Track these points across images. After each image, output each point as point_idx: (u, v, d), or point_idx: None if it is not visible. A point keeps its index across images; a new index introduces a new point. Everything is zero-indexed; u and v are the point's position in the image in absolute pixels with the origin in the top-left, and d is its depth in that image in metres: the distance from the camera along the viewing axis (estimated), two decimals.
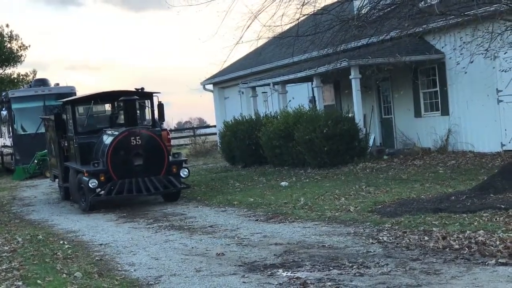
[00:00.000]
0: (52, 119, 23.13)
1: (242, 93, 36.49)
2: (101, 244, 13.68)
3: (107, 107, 23.13)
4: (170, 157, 20.12)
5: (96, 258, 12.05)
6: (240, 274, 9.91)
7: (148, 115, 22.14)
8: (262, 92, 33.30)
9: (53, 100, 35.93)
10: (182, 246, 12.69)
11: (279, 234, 13.09)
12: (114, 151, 19.32)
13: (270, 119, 27.07)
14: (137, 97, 20.51)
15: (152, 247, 12.84)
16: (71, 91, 36.36)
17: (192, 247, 12.50)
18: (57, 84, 38.48)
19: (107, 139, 20.00)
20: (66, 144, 22.18)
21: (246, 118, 29.24)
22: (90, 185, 19.03)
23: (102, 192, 19.16)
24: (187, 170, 20.27)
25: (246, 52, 36.00)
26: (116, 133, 19.79)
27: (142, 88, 21.24)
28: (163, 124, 22.55)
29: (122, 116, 21.08)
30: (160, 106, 21.59)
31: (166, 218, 16.80)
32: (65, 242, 14.08)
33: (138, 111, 20.57)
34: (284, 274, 9.75)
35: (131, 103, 20.07)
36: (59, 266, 11.43)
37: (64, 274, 10.67)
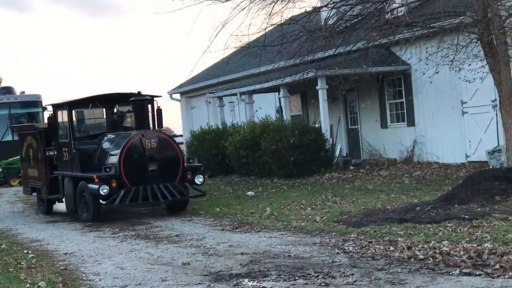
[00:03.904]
0: (37, 127, 21.84)
1: (209, 102, 36.45)
2: (65, 254, 13.58)
3: (104, 110, 21.32)
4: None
5: (61, 268, 11.96)
6: (205, 284, 9.89)
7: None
8: (229, 102, 33.29)
9: (18, 108, 35.71)
10: (148, 256, 12.64)
11: (245, 243, 13.08)
12: (127, 155, 18.08)
13: (237, 128, 27.07)
14: (149, 97, 19.41)
15: (118, 257, 12.77)
16: (37, 99, 36.17)
17: (158, 257, 12.45)
18: (23, 92, 38.25)
19: (117, 143, 18.73)
20: (55, 152, 20.73)
21: (213, 127, 29.22)
22: (101, 191, 17.69)
23: (111, 200, 17.83)
24: (202, 177, 18.98)
25: (214, 62, 36.02)
26: (128, 136, 18.50)
27: (139, 92, 19.63)
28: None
29: (129, 119, 19.80)
30: (159, 111, 20.18)
31: (132, 227, 16.72)
32: (29, 252, 13.96)
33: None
34: (250, 283, 9.74)
35: (142, 103, 18.99)
36: (23, 275, 11.32)
37: (28, 284, 10.58)
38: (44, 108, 37.54)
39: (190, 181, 18.67)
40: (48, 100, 42.45)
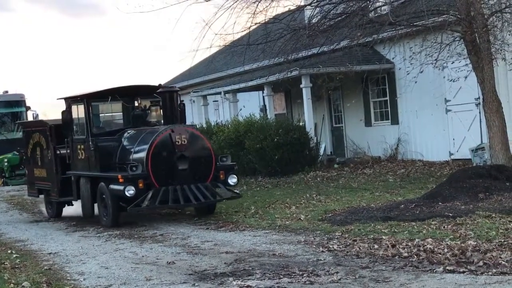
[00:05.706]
0: (48, 122, 19.86)
1: (193, 101, 36.44)
2: (50, 253, 13.53)
3: (124, 104, 18.84)
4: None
5: (45, 268, 11.91)
6: (190, 283, 9.88)
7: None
8: (213, 101, 33.28)
9: (2, 108, 35.57)
10: (132, 255, 12.61)
11: (229, 242, 13.08)
12: (155, 152, 16.24)
13: (221, 127, 27.06)
14: (178, 89, 17.96)
15: (102, 256, 12.73)
16: (20, 99, 36.02)
17: (143, 256, 12.43)
18: (6, 91, 38.12)
19: (142, 139, 16.88)
20: (68, 150, 18.56)
21: (197, 126, 29.17)
22: (126, 193, 15.86)
23: (138, 202, 16.08)
24: (235, 177, 17.23)
25: (198, 61, 35.95)
26: (156, 131, 16.66)
27: (160, 85, 17.93)
28: None
29: (154, 113, 17.86)
30: (182, 105, 18.23)
31: (116, 227, 16.64)
32: (13, 251, 13.89)
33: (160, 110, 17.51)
34: (235, 282, 9.74)
35: (172, 95, 17.04)
36: (6, 275, 11.26)
37: (12, 284, 10.53)
38: (28, 108, 37.46)
39: (223, 181, 17.02)
40: (31, 99, 42.33)
